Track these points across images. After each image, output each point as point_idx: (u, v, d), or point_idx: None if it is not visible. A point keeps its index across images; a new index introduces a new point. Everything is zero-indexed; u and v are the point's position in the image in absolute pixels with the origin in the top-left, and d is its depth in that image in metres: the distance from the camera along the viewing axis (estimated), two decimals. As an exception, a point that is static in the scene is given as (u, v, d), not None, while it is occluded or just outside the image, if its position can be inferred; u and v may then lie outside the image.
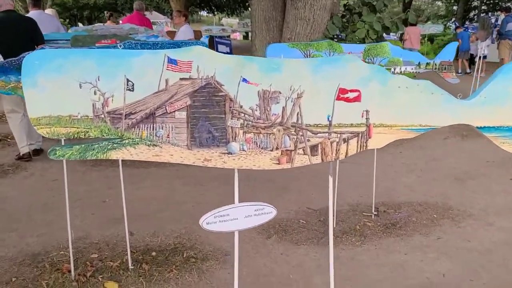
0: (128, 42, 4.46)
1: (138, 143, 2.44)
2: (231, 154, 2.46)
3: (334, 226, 4.77)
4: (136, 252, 4.46)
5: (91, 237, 4.70)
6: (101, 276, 3.74)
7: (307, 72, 2.57)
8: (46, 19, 10.25)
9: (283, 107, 2.47)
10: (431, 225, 5.06)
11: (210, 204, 3.87)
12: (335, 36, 11.12)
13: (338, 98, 2.51)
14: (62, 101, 2.17)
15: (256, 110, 2.44)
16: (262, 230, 4.91)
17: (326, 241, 4.71)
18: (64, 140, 2.44)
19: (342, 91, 2.70)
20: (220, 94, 2.38)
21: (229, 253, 4.18)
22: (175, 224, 5.10)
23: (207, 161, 2.57)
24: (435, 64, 6.57)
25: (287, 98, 2.48)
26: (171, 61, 2.44)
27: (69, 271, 3.67)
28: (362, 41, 10.84)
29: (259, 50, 11.33)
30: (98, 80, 2.23)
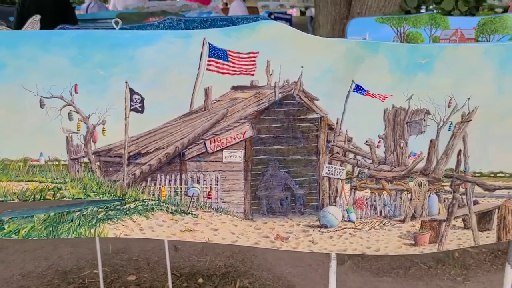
0: (168, 18, 3.25)
1: (154, 209, 1.32)
2: (327, 227, 1.48)
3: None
4: (180, 277, 3.82)
5: (131, 251, 4.20)
6: (136, 308, 3.38)
7: (486, 70, 1.37)
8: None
9: (431, 141, 1.45)
10: None
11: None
12: (416, 9, 9.30)
13: (545, 123, 1.41)
14: (9, 135, 1.29)
15: (377, 147, 1.43)
16: (332, 251, 3.84)
17: (415, 273, 3.86)
18: (18, 203, 1.21)
19: (553, 108, 1.36)
20: (311, 116, 1.40)
21: (293, 283, 3.54)
22: (227, 239, 4.00)
23: (281, 240, 1.38)
24: None
25: (441, 123, 1.43)
26: (217, 53, 1.21)
27: (99, 299, 3.54)
28: (448, 14, 8.94)
29: (323, 27, 9.91)
30: (75, 91, 1.28)
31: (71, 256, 3.96)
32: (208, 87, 1.32)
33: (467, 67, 1.35)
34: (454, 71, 1.35)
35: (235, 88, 1.33)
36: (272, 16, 12.75)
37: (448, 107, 1.40)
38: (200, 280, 3.61)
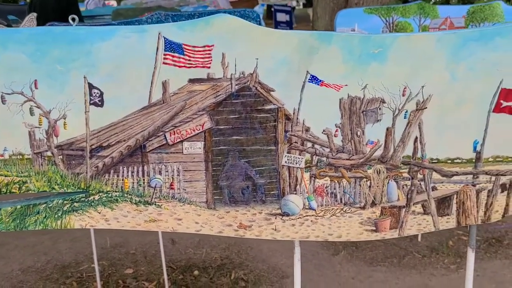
0: (156, 13, 3.30)
1: (118, 200, 1.34)
2: (289, 215, 1.50)
3: (419, 240, 4.10)
4: (176, 270, 3.85)
5: (128, 245, 4.26)
6: (133, 301, 3.42)
7: (439, 58, 1.39)
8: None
9: (387, 129, 1.48)
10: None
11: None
12: (410, -2, 9.19)
13: (498, 109, 1.46)
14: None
15: (335, 136, 1.45)
16: (327, 242, 4.21)
17: (409, 261, 3.87)
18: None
19: (506, 95, 1.38)
20: (268, 107, 1.42)
21: (287, 274, 3.57)
22: (223, 232, 4.14)
23: (244, 229, 1.42)
24: None
25: (397, 112, 1.45)
26: (172, 47, 1.24)
27: (97, 292, 3.24)
28: (445, 2, 8.93)
29: (321, 19, 9.89)
30: (35, 87, 1.32)
31: (69, 250, 4.04)
32: (165, 81, 1.35)
33: (420, 56, 1.38)
34: (408, 60, 1.38)
35: (192, 81, 1.36)
36: (273, 9, 12.62)
37: (403, 96, 1.42)
38: (196, 272, 3.67)
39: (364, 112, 1.42)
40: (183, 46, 1.32)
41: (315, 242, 4.03)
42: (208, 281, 3.58)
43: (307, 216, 1.51)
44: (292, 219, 1.51)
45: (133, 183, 1.43)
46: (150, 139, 1.40)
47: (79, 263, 3.84)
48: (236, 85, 1.37)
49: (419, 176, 1.51)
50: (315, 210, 1.52)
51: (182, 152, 1.43)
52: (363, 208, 1.52)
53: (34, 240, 4.25)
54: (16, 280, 3.57)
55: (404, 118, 1.44)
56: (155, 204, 1.45)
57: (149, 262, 3.85)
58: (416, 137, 1.47)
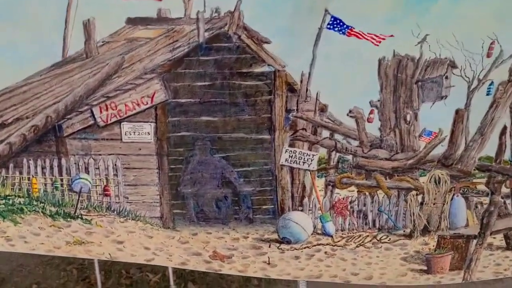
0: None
1: (24, 210, 0.90)
2: (290, 243, 1.01)
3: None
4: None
5: None
6: (134, 293, 3.44)
7: None
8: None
9: (458, 112, 0.92)
10: None
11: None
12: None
13: None
14: None
15: (369, 121, 0.94)
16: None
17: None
18: None
19: None
20: (258, 70, 0.88)
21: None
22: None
23: (220, 260, 0.92)
24: None
25: (475, 84, 0.90)
26: None
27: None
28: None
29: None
30: None
31: (72, 239, 4.16)
32: (88, 20, 0.82)
33: None
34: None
35: (132, 21, 0.83)
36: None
37: (488, 57, 0.87)
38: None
39: (420, 83, 0.86)
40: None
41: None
42: (217, 277, 3.31)
43: (319, 245, 0.98)
44: (296, 249, 0.98)
45: (45, 184, 0.92)
46: (69, 116, 0.88)
47: (81, 251, 3.85)
48: (206, 31, 0.83)
49: (505, 190, 0.95)
50: (332, 236, 0.99)
51: (121, 139, 0.90)
52: (409, 236, 0.98)
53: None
54: (16, 263, 3.40)
55: (488, 94, 0.90)
56: (82, 218, 0.94)
57: (156, 252, 3.83)
58: (505, 127, 0.91)
